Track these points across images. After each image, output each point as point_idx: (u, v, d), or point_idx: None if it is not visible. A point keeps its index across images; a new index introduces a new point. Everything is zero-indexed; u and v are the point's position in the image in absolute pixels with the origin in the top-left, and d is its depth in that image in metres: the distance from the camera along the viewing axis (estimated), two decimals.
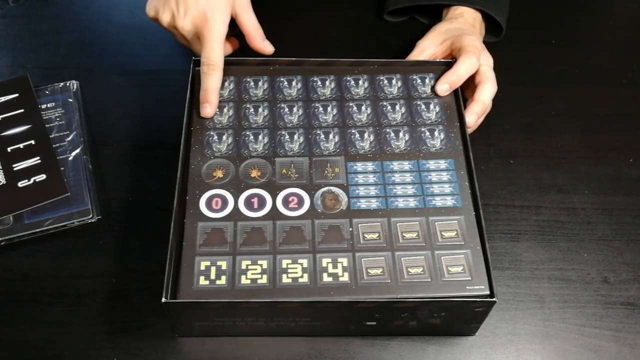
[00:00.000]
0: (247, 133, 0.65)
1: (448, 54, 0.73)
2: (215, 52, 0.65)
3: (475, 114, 0.68)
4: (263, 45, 0.70)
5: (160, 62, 0.82)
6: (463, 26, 0.76)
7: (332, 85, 0.68)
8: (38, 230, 0.66)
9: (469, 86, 0.71)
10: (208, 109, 0.65)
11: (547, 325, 0.62)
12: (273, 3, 0.87)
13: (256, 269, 0.56)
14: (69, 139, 0.72)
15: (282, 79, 0.69)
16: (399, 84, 0.69)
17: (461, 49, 0.70)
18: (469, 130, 0.69)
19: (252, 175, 0.62)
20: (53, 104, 0.76)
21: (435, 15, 0.83)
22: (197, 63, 0.68)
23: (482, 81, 0.69)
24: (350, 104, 0.67)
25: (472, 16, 0.78)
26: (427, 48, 0.74)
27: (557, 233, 0.68)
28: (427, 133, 0.65)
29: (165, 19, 0.68)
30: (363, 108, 0.67)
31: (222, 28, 0.66)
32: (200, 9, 0.65)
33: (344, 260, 0.57)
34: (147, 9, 0.69)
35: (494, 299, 0.55)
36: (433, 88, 0.68)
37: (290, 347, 0.60)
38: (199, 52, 0.68)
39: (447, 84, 0.67)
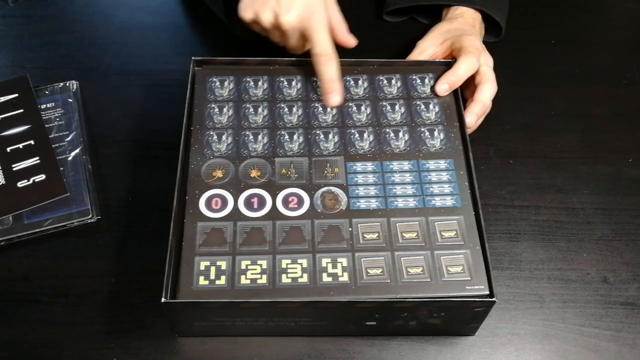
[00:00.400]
0: (247, 133, 0.65)
1: (448, 54, 0.73)
2: (328, 41, 0.65)
3: (475, 114, 0.68)
4: (348, 38, 0.69)
5: (160, 62, 0.82)
6: (463, 26, 0.76)
7: None
8: (38, 230, 0.66)
9: (469, 86, 0.71)
10: (336, 98, 0.66)
11: (547, 325, 0.62)
12: None
13: (256, 269, 0.56)
14: (69, 139, 0.72)
15: (282, 79, 0.69)
16: (399, 84, 0.69)
17: (461, 49, 0.70)
18: (469, 131, 0.69)
19: (252, 175, 0.62)
20: (53, 104, 0.76)
21: (435, 15, 0.83)
22: (198, 63, 0.68)
23: (482, 82, 0.69)
24: (350, 104, 0.67)
25: (472, 16, 0.78)
26: (427, 48, 0.74)
27: (556, 233, 0.68)
28: (427, 133, 0.65)
29: (267, 18, 0.66)
30: (363, 108, 0.67)
31: (326, 20, 0.66)
32: (305, 3, 0.65)
33: (343, 260, 0.57)
34: (242, 13, 0.67)
35: (493, 299, 0.55)
36: (433, 88, 0.68)
37: (290, 347, 0.60)
38: (295, 48, 0.69)
39: (446, 84, 0.67)
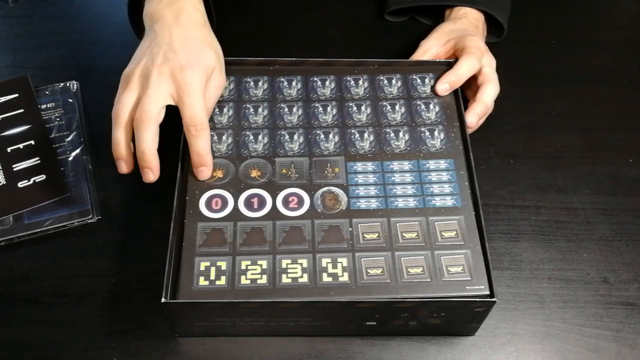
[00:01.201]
0: (247, 133, 0.65)
1: (451, 55, 0.73)
2: (202, 109, 0.59)
3: (476, 115, 0.68)
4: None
5: None
6: (467, 27, 0.76)
7: (332, 85, 0.69)
8: (38, 230, 0.66)
9: (471, 87, 0.71)
10: (206, 172, 0.61)
11: (547, 325, 0.62)
12: (274, 3, 0.87)
13: (256, 269, 0.56)
14: (69, 139, 0.72)
15: (282, 79, 0.69)
16: (399, 84, 0.69)
17: (464, 49, 0.70)
18: (469, 131, 0.69)
19: (252, 175, 0.62)
20: (53, 104, 0.76)
21: (436, 16, 0.83)
22: None
23: (484, 82, 0.69)
24: (350, 104, 0.67)
25: (476, 17, 0.78)
26: (431, 48, 0.74)
27: (557, 233, 0.68)
28: (427, 133, 0.65)
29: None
30: (363, 108, 0.67)
31: (203, 87, 0.60)
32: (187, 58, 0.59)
33: (343, 260, 0.57)
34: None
35: (493, 299, 0.55)
36: (433, 88, 0.68)
37: (290, 347, 0.60)
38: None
39: (447, 84, 0.67)
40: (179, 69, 0.58)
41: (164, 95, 0.58)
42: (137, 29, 0.72)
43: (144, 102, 0.58)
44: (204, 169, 0.61)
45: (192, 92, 0.58)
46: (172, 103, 0.59)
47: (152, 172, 0.59)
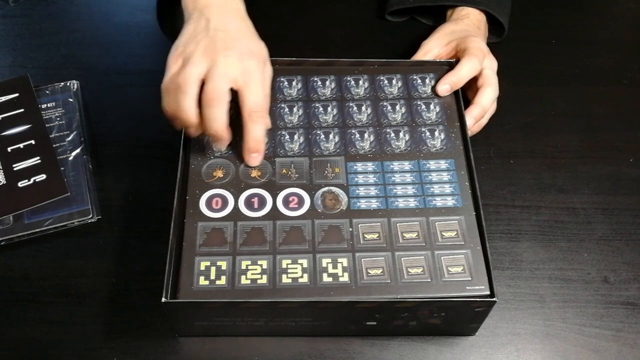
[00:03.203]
0: None
1: (453, 55, 0.73)
2: (263, 97, 0.60)
3: (473, 118, 0.68)
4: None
5: (160, 62, 0.81)
6: (469, 27, 0.76)
7: (332, 85, 0.68)
8: (38, 230, 0.66)
9: (472, 88, 0.71)
10: (259, 158, 0.62)
11: (548, 325, 0.62)
12: (273, 3, 0.87)
13: (256, 269, 0.56)
14: (69, 139, 0.72)
15: (282, 79, 0.69)
16: (399, 84, 0.69)
17: (465, 50, 0.70)
18: (470, 134, 0.69)
19: (252, 175, 0.62)
20: (53, 103, 0.75)
21: (436, 16, 0.83)
22: None
23: (483, 85, 0.69)
24: (351, 104, 0.67)
25: (477, 17, 0.78)
26: (433, 49, 0.74)
27: (557, 233, 0.68)
28: (428, 133, 0.65)
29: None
30: (363, 108, 0.67)
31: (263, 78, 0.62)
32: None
33: (343, 261, 0.57)
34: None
35: (494, 299, 0.54)
36: (434, 88, 0.68)
37: (290, 347, 0.60)
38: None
39: (447, 85, 0.67)
40: (244, 54, 0.60)
41: (231, 78, 0.59)
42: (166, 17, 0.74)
43: (215, 81, 0.58)
44: (257, 155, 0.62)
45: (257, 79, 0.60)
46: (235, 87, 0.59)
47: (224, 143, 0.62)
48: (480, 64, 0.69)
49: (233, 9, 0.64)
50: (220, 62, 0.58)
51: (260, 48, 0.63)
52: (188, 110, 0.58)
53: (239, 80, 0.59)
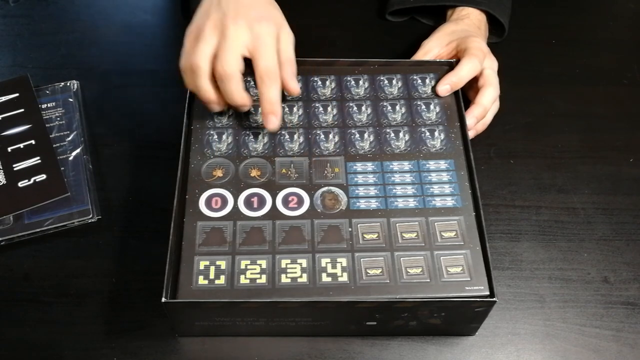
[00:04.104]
0: (247, 132, 0.65)
1: (453, 55, 0.73)
2: (276, 59, 0.60)
3: (474, 117, 0.68)
4: (293, 84, 0.63)
5: (160, 62, 0.82)
6: (469, 28, 0.76)
7: (333, 85, 0.68)
8: (38, 230, 0.66)
9: (473, 88, 0.71)
10: (275, 121, 0.61)
11: (548, 325, 0.62)
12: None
13: (255, 269, 0.56)
14: (69, 138, 0.72)
15: None
16: (399, 84, 0.69)
17: (466, 50, 0.70)
18: (472, 134, 0.69)
19: (252, 174, 0.62)
20: (53, 103, 0.76)
21: (437, 16, 0.83)
22: None
23: (484, 85, 0.69)
24: (351, 104, 0.67)
25: (478, 18, 0.78)
26: (433, 49, 0.74)
27: (557, 233, 0.68)
28: (427, 133, 0.65)
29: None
30: (363, 108, 0.67)
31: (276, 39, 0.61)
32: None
33: (343, 261, 0.57)
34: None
35: (494, 299, 0.54)
36: (434, 88, 0.68)
37: (290, 347, 0.60)
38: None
39: (448, 85, 0.67)
40: (254, 20, 0.60)
41: (242, 46, 0.59)
42: None
43: (226, 54, 0.58)
44: (273, 117, 0.61)
45: (268, 43, 0.59)
46: (247, 54, 0.60)
47: (247, 109, 0.63)
48: (481, 64, 0.69)
49: None
50: (229, 33, 0.59)
51: (273, 13, 0.62)
52: (205, 90, 0.60)
53: (249, 46, 0.59)
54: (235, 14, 0.60)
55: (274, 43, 0.60)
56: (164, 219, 0.58)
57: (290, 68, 0.62)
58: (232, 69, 0.59)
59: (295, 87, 0.62)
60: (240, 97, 0.61)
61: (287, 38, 0.62)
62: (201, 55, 0.59)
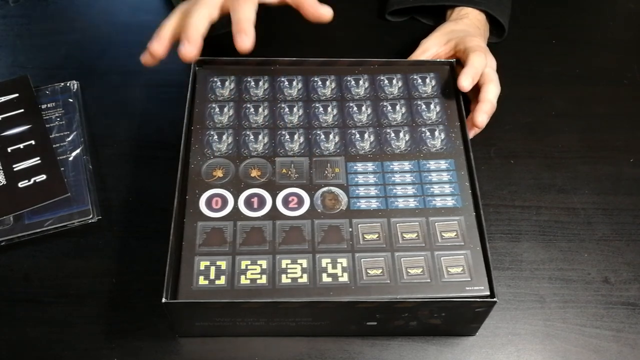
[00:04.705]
0: (247, 133, 0.65)
1: (451, 55, 0.73)
2: None
3: (485, 114, 0.67)
4: (318, 8, 0.62)
5: (160, 62, 0.82)
6: (468, 27, 0.76)
7: (333, 85, 0.68)
8: (38, 230, 0.66)
9: (473, 88, 0.71)
10: (246, 40, 0.58)
11: (548, 325, 0.62)
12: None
13: (255, 269, 0.56)
14: (69, 139, 0.72)
15: (282, 79, 0.69)
16: (400, 84, 0.69)
17: (466, 49, 0.70)
18: (476, 132, 0.69)
19: (252, 175, 0.62)
20: (53, 104, 0.76)
21: (436, 16, 0.83)
22: (198, 63, 0.68)
23: (486, 82, 0.69)
24: (351, 104, 0.67)
25: (477, 17, 0.78)
26: (431, 48, 0.74)
27: (557, 233, 0.68)
28: (428, 133, 0.65)
29: None
30: (363, 108, 0.67)
31: None
32: None
33: (343, 261, 0.57)
34: None
35: (494, 299, 0.54)
36: (434, 88, 0.68)
37: (290, 347, 0.60)
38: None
39: (470, 78, 0.66)
40: None
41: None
42: None
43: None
44: (243, 36, 0.58)
45: None
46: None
47: (189, 46, 0.59)
48: (485, 59, 0.69)
49: None
50: None
51: None
52: (162, 27, 0.61)
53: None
54: None
55: None
56: (164, 219, 0.58)
57: None
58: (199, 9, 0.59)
59: (324, 8, 0.61)
60: (195, 17, 0.59)
61: None
62: (178, 9, 0.61)
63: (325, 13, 0.61)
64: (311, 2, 0.62)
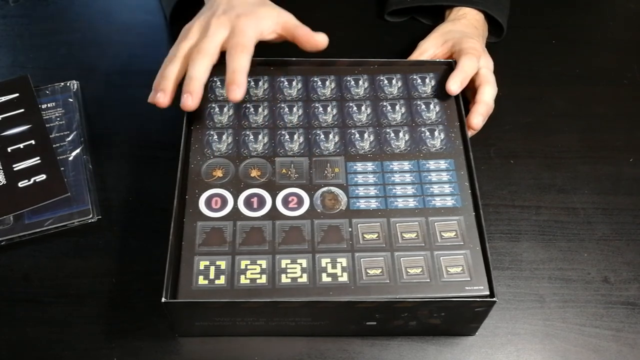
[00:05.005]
0: (247, 133, 0.65)
1: (449, 56, 0.73)
2: (252, 36, 0.62)
3: (481, 115, 0.68)
4: (315, 37, 0.64)
5: (160, 62, 0.81)
6: (466, 28, 0.76)
7: (332, 85, 0.69)
8: (38, 230, 0.66)
9: (470, 89, 0.71)
10: (237, 91, 0.59)
11: (548, 325, 0.62)
12: (274, 3, 0.87)
13: (255, 269, 0.56)
14: (69, 139, 0.72)
15: (282, 79, 0.69)
16: (399, 84, 0.69)
17: (461, 51, 0.70)
18: (473, 133, 0.69)
19: (252, 174, 0.62)
20: (53, 103, 0.76)
21: (436, 16, 0.83)
22: None
23: (482, 83, 0.69)
24: (350, 104, 0.67)
25: (475, 17, 0.78)
26: (429, 49, 0.74)
27: (557, 233, 0.68)
28: (427, 133, 0.65)
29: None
30: (363, 108, 0.67)
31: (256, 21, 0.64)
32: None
33: (343, 261, 0.57)
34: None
35: (494, 299, 0.54)
36: (434, 88, 0.68)
37: (290, 347, 0.60)
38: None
39: (459, 81, 0.66)
40: (235, 17, 0.62)
41: (220, 39, 0.61)
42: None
43: (201, 42, 0.61)
44: (235, 87, 0.59)
45: (245, 33, 0.61)
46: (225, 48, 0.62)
47: (191, 98, 0.60)
48: (478, 62, 0.69)
49: None
50: (211, 28, 0.62)
51: (264, 11, 0.64)
52: (163, 75, 0.62)
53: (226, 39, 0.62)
54: (221, 13, 0.63)
55: (252, 35, 0.62)
56: (164, 219, 0.58)
57: (302, 29, 0.64)
58: (206, 49, 0.61)
59: (319, 37, 0.64)
60: (201, 72, 0.60)
61: (267, 15, 0.64)
62: (179, 48, 0.62)
63: (321, 41, 0.64)
64: (306, 34, 0.64)
